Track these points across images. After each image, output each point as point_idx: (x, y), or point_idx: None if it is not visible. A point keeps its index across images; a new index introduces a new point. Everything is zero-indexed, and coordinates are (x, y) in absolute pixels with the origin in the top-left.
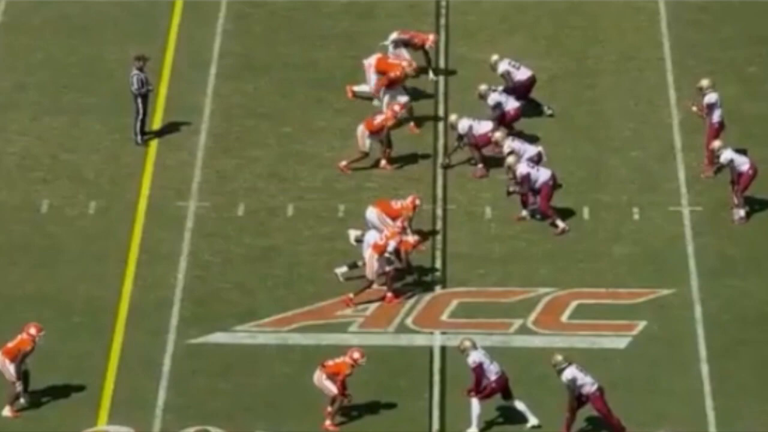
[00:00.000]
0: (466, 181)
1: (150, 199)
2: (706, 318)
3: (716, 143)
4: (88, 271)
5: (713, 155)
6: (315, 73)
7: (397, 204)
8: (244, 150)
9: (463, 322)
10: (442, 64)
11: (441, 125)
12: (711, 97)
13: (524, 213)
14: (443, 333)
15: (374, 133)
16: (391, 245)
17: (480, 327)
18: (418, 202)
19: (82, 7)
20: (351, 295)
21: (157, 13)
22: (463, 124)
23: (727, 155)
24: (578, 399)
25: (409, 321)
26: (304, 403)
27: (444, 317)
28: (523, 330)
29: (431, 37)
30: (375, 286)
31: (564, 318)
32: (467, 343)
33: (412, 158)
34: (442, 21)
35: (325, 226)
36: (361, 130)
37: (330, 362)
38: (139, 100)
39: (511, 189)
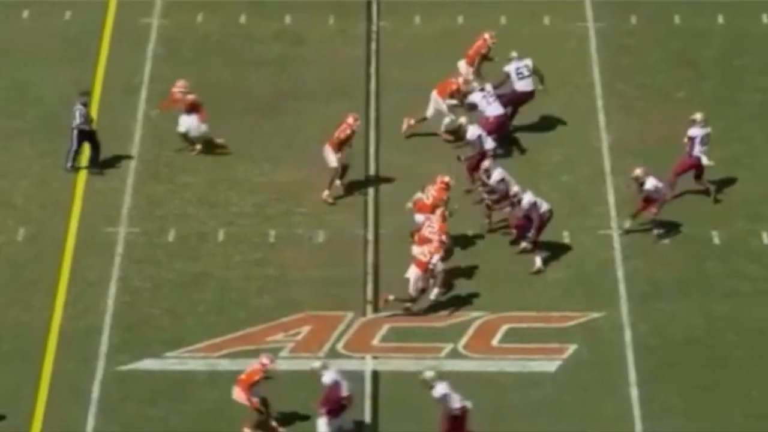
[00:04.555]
0: (398, 206)
1: (80, 225)
2: (636, 341)
3: (638, 171)
4: (17, 298)
5: (637, 182)
6: (246, 98)
7: (427, 197)
8: (175, 176)
9: (394, 346)
10: (373, 88)
11: (372, 150)
12: (694, 131)
13: (524, 244)
14: (375, 358)
15: (338, 147)
16: (436, 259)
17: (411, 351)
18: (447, 179)
19: (10, 32)
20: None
21: (86, 37)
22: (472, 132)
23: (650, 183)
24: (451, 417)
25: (340, 346)
26: (234, 430)
27: (375, 342)
28: (454, 354)
29: (486, 36)
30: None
31: (495, 342)
32: (317, 365)
33: (343, 182)
34: (373, 46)
35: (255, 252)
36: (327, 147)
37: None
38: (75, 134)
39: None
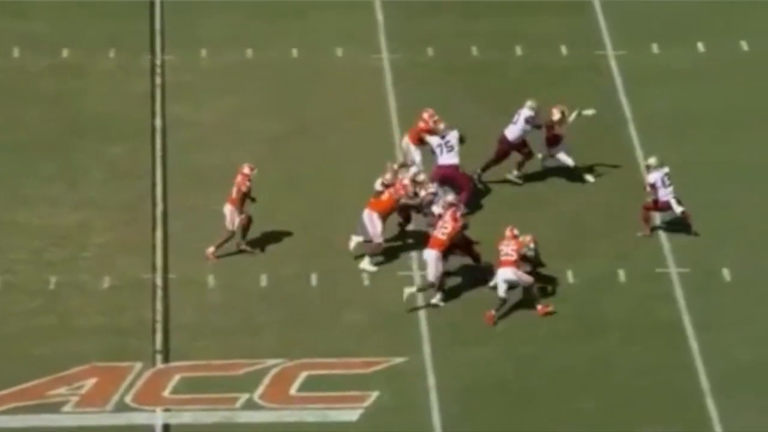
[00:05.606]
0: (187, 249)
1: None
2: (440, 386)
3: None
4: None
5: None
6: (22, 135)
7: (384, 195)
8: None
9: (187, 398)
10: (159, 125)
11: (159, 190)
12: (653, 177)
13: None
14: (166, 410)
15: (241, 203)
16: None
17: (204, 403)
18: (398, 170)
19: None
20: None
21: None
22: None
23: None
24: None
25: (128, 399)
26: None
27: (166, 393)
28: (250, 405)
29: (425, 115)
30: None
31: (293, 390)
32: None
33: (129, 224)
34: (158, 80)
35: (34, 300)
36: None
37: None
38: None
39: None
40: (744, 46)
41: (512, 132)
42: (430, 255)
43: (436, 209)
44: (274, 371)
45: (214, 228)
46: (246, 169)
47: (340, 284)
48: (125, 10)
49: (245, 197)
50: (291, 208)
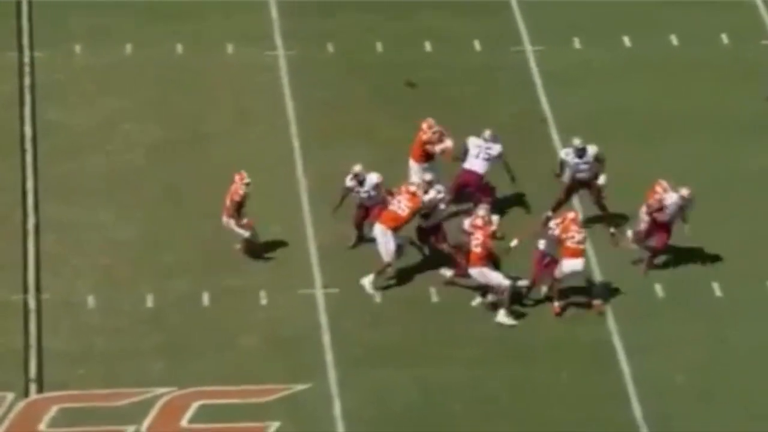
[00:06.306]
0: (62, 266)
1: None
2: (346, 413)
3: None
4: None
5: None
6: None
7: (398, 207)
8: None
9: (66, 431)
10: (28, 131)
11: (31, 201)
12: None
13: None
14: None
15: (237, 213)
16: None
17: None
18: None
19: None
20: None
21: None
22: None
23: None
24: None
25: None
26: None
27: (42, 427)
28: None
29: (424, 126)
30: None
31: (184, 422)
32: None
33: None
34: (27, 80)
35: None
36: (227, 220)
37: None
38: None
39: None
40: (674, 40)
41: (482, 166)
42: (479, 273)
43: (466, 225)
44: (162, 400)
45: (91, 242)
46: (237, 178)
47: (234, 304)
48: None
49: (239, 206)
50: (177, 221)
